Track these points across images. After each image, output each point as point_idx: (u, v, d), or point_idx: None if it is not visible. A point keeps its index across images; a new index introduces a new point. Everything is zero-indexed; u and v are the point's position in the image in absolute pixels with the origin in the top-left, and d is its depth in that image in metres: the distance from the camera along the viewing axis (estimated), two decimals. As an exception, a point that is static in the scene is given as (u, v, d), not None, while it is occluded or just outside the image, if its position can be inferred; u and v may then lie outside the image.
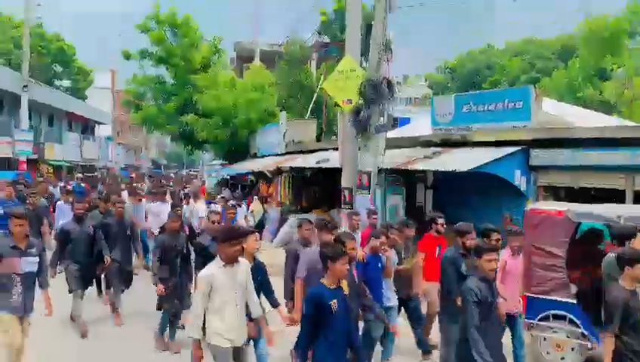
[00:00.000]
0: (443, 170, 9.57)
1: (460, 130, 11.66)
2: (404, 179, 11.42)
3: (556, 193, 10.02)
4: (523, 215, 8.92)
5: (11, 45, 35.04)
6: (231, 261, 4.40)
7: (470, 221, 10.20)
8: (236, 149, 24.26)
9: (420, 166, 10.13)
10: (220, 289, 4.32)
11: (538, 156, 9.93)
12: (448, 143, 11.13)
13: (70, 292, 7.15)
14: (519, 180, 10.12)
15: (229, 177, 25.34)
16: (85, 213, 7.72)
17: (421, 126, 14.32)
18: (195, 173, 44.59)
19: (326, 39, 23.47)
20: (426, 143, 11.64)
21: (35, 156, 27.44)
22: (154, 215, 10.76)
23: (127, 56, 26.67)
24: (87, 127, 42.67)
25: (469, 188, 11.06)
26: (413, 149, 11.56)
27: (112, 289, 7.93)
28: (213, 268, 4.41)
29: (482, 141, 10.55)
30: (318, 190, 15.72)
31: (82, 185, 18.16)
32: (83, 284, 7.32)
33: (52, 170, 30.95)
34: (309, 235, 6.15)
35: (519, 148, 9.91)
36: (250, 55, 32.00)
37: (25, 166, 24.46)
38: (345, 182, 10.78)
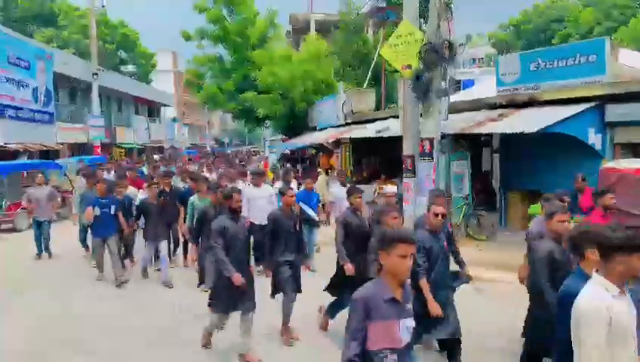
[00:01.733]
0: (510, 132, 9.16)
1: (527, 89, 11.08)
2: (468, 145, 11.04)
3: (635, 151, 9.37)
4: (598, 174, 8.47)
5: (79, 35, 36.61)
6: None
7: (539, 185, 9.81)
8: (295, 123, 24.37)
9: (485, 129, 9.75)
10: None
11: (614, 112, 9.30)
12: (515, 104, 10.62)
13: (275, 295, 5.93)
14: (593, 139, 9.56)
15: (289, 152, 25.57)
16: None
17: (486, 88, 13.74)
18: (256, 149, 45.42)
19: (382, 4, 22.81)
20: (491, 105, 11.16)
21: (107, 140, 28.85)
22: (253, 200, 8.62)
23: (187, 37, 27.18)
24: (153, 110, 44.28)
25: (538, 150, 10.55)
26: (478, 112, 11.12)
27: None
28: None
29: (552, 100, 9.99)
30: (379, 159, 15.55)
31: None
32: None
33: (124, 153, 32.50)
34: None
35: (593, 104, 9.30)
36: (306, 26, 31.79)
37: (99, 150, 25.77)
38: (407, 149, 10.56)
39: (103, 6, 27.93)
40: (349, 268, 5.49)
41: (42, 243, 10.20)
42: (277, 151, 27.22)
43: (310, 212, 8.90)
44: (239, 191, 5.74)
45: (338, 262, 5.75)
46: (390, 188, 7.56)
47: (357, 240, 5.64)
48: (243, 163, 19.97)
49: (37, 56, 22.97)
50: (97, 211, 8.23)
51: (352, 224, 5.74)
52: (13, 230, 13.51)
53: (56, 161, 17.73)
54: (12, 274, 9.22)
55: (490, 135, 11.21)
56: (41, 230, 10.15)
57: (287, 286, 5.69)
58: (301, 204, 8.68)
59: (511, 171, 11.63)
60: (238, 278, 5.16)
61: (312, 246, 8.91)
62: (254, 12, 26.89)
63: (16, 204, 13.67)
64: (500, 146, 12.06)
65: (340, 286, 5.66)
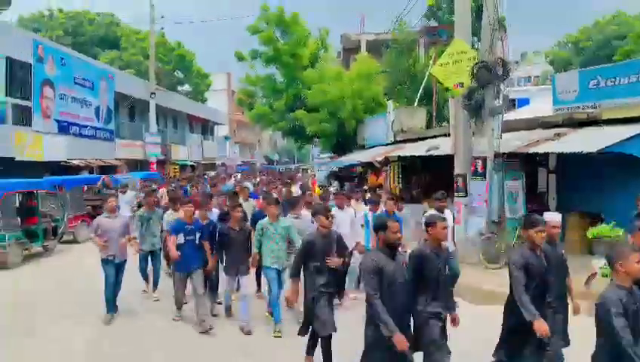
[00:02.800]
0: (568, 152, 8.79)
1: (585, 108, 10.66)
2: (523, 164, 10.69)
3: None
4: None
5: (139, 56, 38.33)
6: None
7: (599, 207, 9.35)
8: (344, 141, 24.43)
9: (541, 149, 9.40)
10: None
11: (681, 132, 8.77)
12: (572, 123, 10.21)
13: None
14: (659, 160, 9.03)
15: (337, 170, 25.58)
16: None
17: (542, 106, 13.34)
18: (305, 167, 45.79)
19: (434, 23, 22.69)
20: (548, 124, 10.78)
21: (162, 157, 29.88)
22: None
23: (240, 58, 27.91)
24: (206, 128, 45.55)
25: (597, 171, 10.08)
26: (533, 131, 10.77)
27: None
28: None
29: (612, 119, 9.55)
30: (429, 178, 15.29)
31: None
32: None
33: (178, 170, 33.52)
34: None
35: (658, 123, 8.83)
36: (356, 46, 31.99)
37: (154, 166, 26.71)
38: (458, 168, 10.36)
39: (162, 28, 29.18)
40: None
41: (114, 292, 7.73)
42: (325, 169, 27.33)
43: None
44: (395, 221, 4.46)
45: None
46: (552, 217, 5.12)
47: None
48: (289, 181, 20.04)
49: (100, 77, 24.20)
50: (181, 239, 7.07)
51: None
52: (75, 241, 14.43)
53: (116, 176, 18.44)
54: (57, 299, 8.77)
55: (546, 155, 10.82)
56: (115, 275, 7.61)
57: None
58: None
59: (568, 192, 11.17)
60: (401, 342, 3.96)
61: None
62: (306, 33, 27.33)
63: (77, 216, 14.58)
64: (556, 166, 11.61)
65: None
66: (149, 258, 8.75)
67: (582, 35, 47.33)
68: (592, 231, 9.31)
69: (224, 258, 7.36)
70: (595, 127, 9.72)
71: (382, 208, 8.47)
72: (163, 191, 13.74)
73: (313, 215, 6.48)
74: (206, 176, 25.65)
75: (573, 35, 48.69)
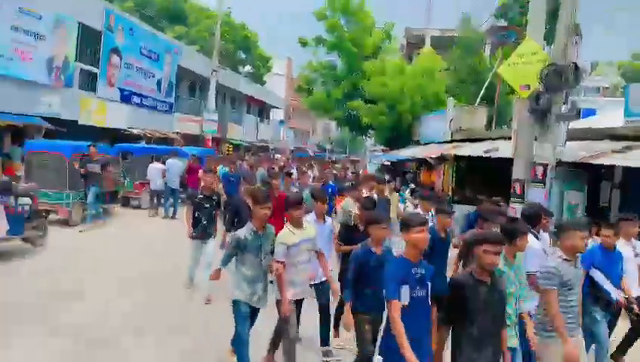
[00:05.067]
0: (637, 166, 8.34)
1: (661, 122, 10.07)
2: (586, 176, 10.24)
3: None
4: None
5: (205, 33, 39.11)
6: None
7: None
8: (399, 135, 24.19)
9: (607, 161, 8.96)
10: None
11: None
12: (644, 137, 9.67)
13: None
14: None
15: (389, 163, 25.36)
16: None
17: (609, 118, 12.70)
18: (356, 159, 45.68)
19: (503, 23, 22.01)
20: (617, 136, 10.26)
21: (218, 135, 30.47)
22: None
23: (304, 43, 28.04)
24: (263, 110, 46.11)
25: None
26: (600, 142, 10.28)
27: None
28: None
29: (689, 136, 8.98)
30: (484, 181, 14.91)
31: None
32: None
33: (231, 149, 34.15)
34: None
35: None
36: (421, 41, 31.49)
37: (210, 143, 27.28)
38: (517, 173, 10.02)
39: (228, 8, 29.59)
40: None
41: None
42: (376, 162, 27.15)
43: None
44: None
45: None
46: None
47: None
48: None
49: (166, 50, 24.87)
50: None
51: None
52: (139, 207, 15.59)
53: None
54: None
55: (611, 167, 10.31)
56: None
57: None
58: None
59: (633, 209, 10.61)
60: None
61: None
62: (372, 22, 27.13)
63: (142, 183, 15.47)
64: (622, 181, 11.06)
65: None
66: None
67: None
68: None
69: None
70: (669, 143, 9.18)
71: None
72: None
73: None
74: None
75: (651, 47, 46.11)
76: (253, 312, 4.92)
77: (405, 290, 3.65)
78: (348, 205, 6.97)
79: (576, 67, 9.37)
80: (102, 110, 19.78)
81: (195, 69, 28.80)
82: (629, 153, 9.16)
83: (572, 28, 9.38)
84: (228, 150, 33.26)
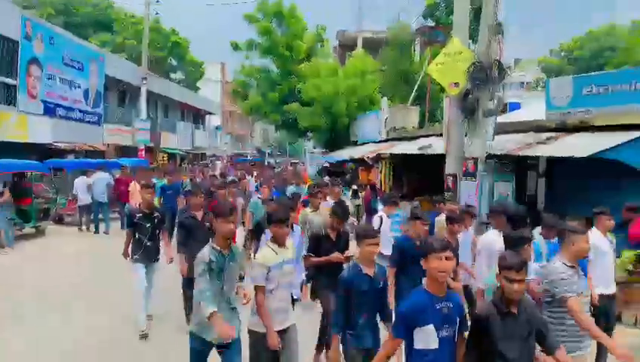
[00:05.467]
0: (560, 156, 8.82)
1: (578, 113, 10.71)
2: (514, 167, 10.72)
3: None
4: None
5: (133, 40, 37.91)
6: None
7: (587, 212, 9.39)
8: (336, 137, 24.44)
9: (533, 152, 9.43)
10: None
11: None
12: (565, 128, 10.25)
13: None
14: (646, 167, 9.11)
15: (328, 165, 25.56)
16: None
17: (533, 111, 13.38)
18: (296, 161, 45.73)
19: (430, 23, 22.74)
20: (540, 128, 10.83)
21: (151, 144, 29.56)
22: None
23: (235, 47, 27.75)
24: (198, 117, 45.21)
25: (586, 176, 10.13)
26: (526, 135, 10.81)
27: None
28: None
29: (604, 125, 9.60)
30: (419, 177, 15.32)
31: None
32: None
33: (167, 158, 33.24)
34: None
35: (648, 132, 8.89)
36: (353, 43, 31.97)
37: (143, 153, 26.41)
38: (449, 168, 10.37)
39: (157, 13, 28.84)
40: None
41: None
42: (316, 164, 27.26)
43: None
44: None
45: None
46: None
47: None
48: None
49: (90, 59, 23.85)
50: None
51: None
52: (73, 223, 14.90)
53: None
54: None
55: (536, 158, 10.86)
56: None
57: None
58: None
59: (557, 197, 11.22)
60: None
61: None
62: (303, 26, 27.25)
63: (76, 199, 14.72)
64: (546, 171, 11.67)
65: None
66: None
67: (575, 44, 47.74)
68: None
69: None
70: (586, 132, 9.77)
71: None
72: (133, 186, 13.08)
73: None
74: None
75: (566, 43, 49.09)
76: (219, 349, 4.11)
77: (429, 332, 3.09)
78: (307, 214, 6.88)
79: (500, 64, 9.82)
80: (22, 124, 18.63)
81: (123, 78, 27.80)
82: (552, 143, 9.69)
83: (495, 27, 9.80)
84: (163, 160, 32.37)
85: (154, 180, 12.84)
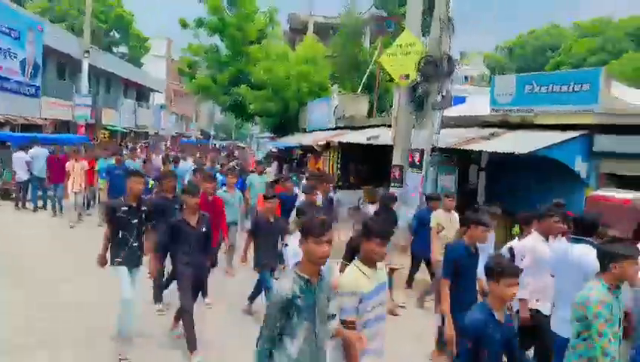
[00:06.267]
0: (501, 151, 9.20)
1: (520, 111, 11.17)
2: (457, 160, 11.10)
3: (619, 182, 9.50)
4: (583, 202, 8.57)
5: (74, 10, 36.01)
6: None
7: (521, 206, 9.87)
8: (286, 123, 24.31)
9: (476, 146, 9.79)
10: None
11: (602, 142, 9.42)
12: (507, 125, 10.69)
13: None
14: (580, 166, 9.66)
15: (276, 150, 25.46)
16: None
17: (477, 106, 13.83)
18: (242, 145, 45.23)
19: (383, 13, 22.91)
20: (484, 124, 11.23)
21: (92, 121, 28.33)
22: None
23: (184, 25, 26.94)
24: (141, 94, 43.69)
25: (524, 172, 10.64)
26: (470, 129, 11.18)
27: None
28: None
29: (543, 124, 10.08)
30: (367, 167, 15.56)
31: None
32: None
33: (108, 135, 32.01)
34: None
35: (583, 132, 9.42)
36: (304, 27, 31.72)
37: (83, 130, 25.32)
38: (396, 159, 10.58)
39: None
40: None
41: None
42: (263, 149, 27.11)
43: None
44: None
45: None
46: None
47: None
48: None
49: (28, 27, 22.51)
50: None
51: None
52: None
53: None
54: None
55: (479, 152, 11.27)
56: None
57: None
58: None
59: (496, 190, 11.73)
60: None
61: None
62: (254, 7, 26.79)
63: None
64: (487, 164, 12.15)
65: None
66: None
67: (518, 41, 49.51)
68: (516, 230, 9.82)
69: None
70: (527, 130, 10.23)
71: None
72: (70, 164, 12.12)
73: None
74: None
75: (510, 40, 50.83)
76: None
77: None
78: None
79: (450, 58, 10.07)
80: (-48, 94, 17.47)
81: (63, 49, 26.40)
82: (494, 139, 10.08)
83: (446, 20, 10.01)
84: (104, 137, 31.16)
85: (99, 160, 12.37)
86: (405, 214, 9.31)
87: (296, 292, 2.75)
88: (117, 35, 42.79)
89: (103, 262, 5.35)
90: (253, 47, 24.40)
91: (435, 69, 9.69)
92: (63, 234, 10.96)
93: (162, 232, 5.43)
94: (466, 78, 44.30)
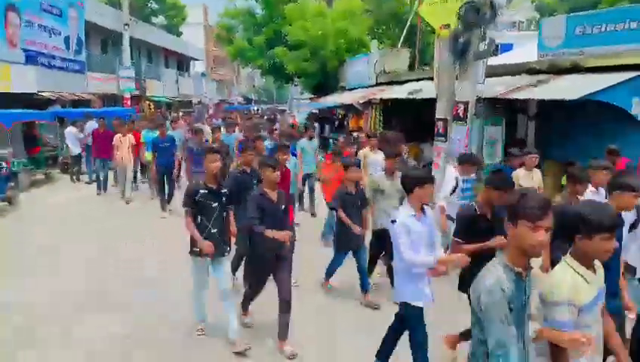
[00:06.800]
0: (550, 98, 8.78)
1: (571, 54, 10.58)
2: (504, 110, 10.69)
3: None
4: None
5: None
6: None
7: (575, 155, 9.47)
8: (325, 82, 24.02)
9: (523, 95, 9.37)
10: None
11: (663, 82, 8.82)
12: (557, 70, 10.16)
13: None
14: (637, 109, 9.11)
15: (317, 111, 25.28)
16: None
17: (526, 53, 13.21)
18: (283, 108, 45.19)
19: (420, -39, 21.97)
20: (532, 70, 10.72)
21: (137, 92, 28.94)
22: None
23: (218, -10, 26.73)
24: (182, 64, 44.15)
25: (577, 119, 10.15)
26: (517, 77, 10.71)
27: None
28: None
29: (596, 67, 9.52)
30: (410, 122, 15.25)
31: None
32: None
33: (153, 106, 32.67)
34: None
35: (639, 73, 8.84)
36: (340, -17, 30.86)
37: (129, 102, 25.92)
38: (440, 112, 10.27)
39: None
40: None
41: None
42: (304, 111, 26.96)
43: None
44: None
45: None
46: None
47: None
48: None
49: (69, 4, 22.94)
50: None
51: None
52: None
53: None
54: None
55: (526, 101, 10.82)
56: None
57: None
58: None
59: (548, 140, 11.27)
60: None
61: None
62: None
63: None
64: (537, 113, 11.66)
65: None
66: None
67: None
68: (564, 179, 9.46)
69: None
70: (578, 74, 9.69)
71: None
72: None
73: None
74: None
75: (559, -20, 47.76)
76: None
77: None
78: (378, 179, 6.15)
79: (492, 4, 9.57)
80: (5, 74, 18.10)
81: (104, 24, 26.86)
82: (542, 86, 9.62)
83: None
84: (150, 108, 31.82)
85: (143, 132, 12.28)
86: (452, 171, 9.10)
87: (513, 289, 2.30)
88: (155, 6, 43.05)
89: (209, 249, 4.72)
90: (288, 7, 24.00)
91: (477, 15, 9.23)
92: (120, 209, 11.17)
93: (247, 209, 4.78)
94: (514, 24, 42.20)
